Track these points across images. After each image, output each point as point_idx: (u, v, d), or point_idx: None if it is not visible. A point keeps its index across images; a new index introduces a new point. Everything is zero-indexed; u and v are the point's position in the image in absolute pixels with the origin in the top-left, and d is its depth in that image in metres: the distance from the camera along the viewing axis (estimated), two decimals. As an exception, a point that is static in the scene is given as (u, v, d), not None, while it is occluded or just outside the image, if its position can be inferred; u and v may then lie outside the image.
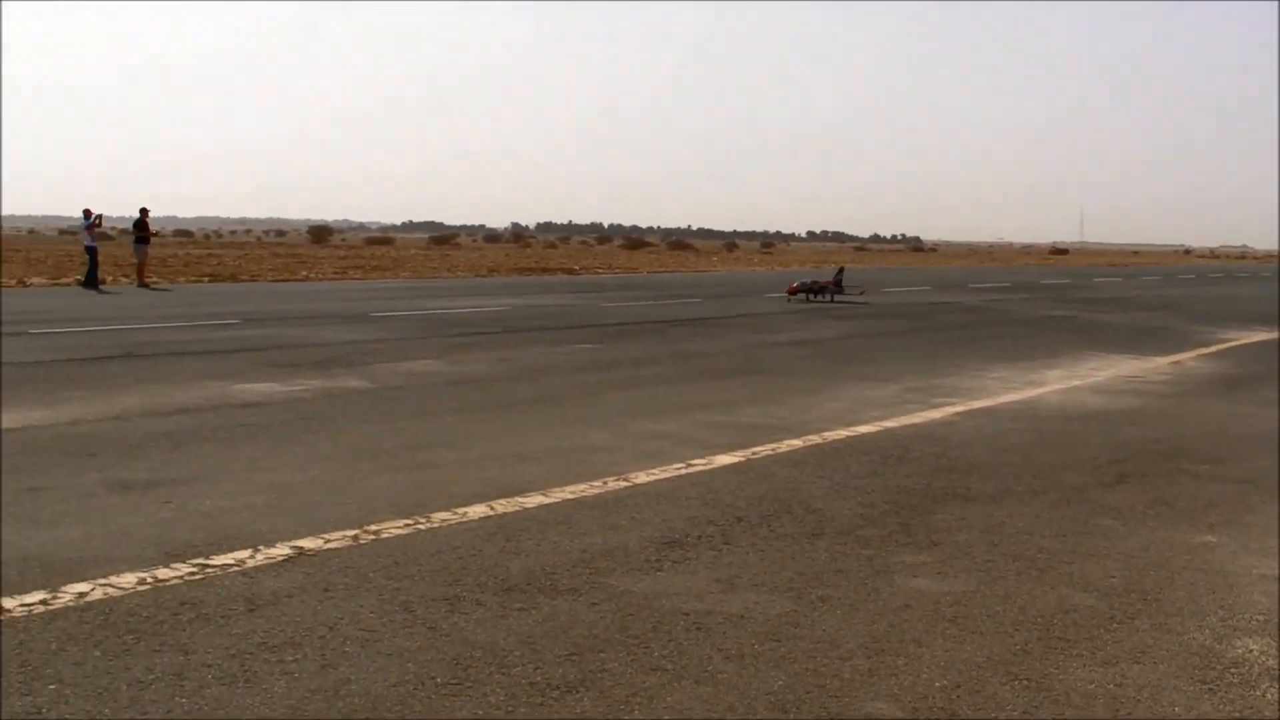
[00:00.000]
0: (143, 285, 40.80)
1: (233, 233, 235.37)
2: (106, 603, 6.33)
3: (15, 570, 6.86)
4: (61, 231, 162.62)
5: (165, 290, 38.92)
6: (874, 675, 5.61)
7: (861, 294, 38.93)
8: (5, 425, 11.54)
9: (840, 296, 37.71)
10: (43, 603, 6.30)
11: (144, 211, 42.70)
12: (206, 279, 47.27)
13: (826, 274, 43.55)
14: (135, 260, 43.12)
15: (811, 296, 37.67)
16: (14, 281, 42.21)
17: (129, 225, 51.64)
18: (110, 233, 50.52)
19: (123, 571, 6.85)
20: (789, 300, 37.05)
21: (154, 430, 11.49)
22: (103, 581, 6.67)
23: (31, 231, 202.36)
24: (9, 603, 6.28)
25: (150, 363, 17.23)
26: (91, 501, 8.56)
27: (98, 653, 5.58)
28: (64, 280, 42.41)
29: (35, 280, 43.33)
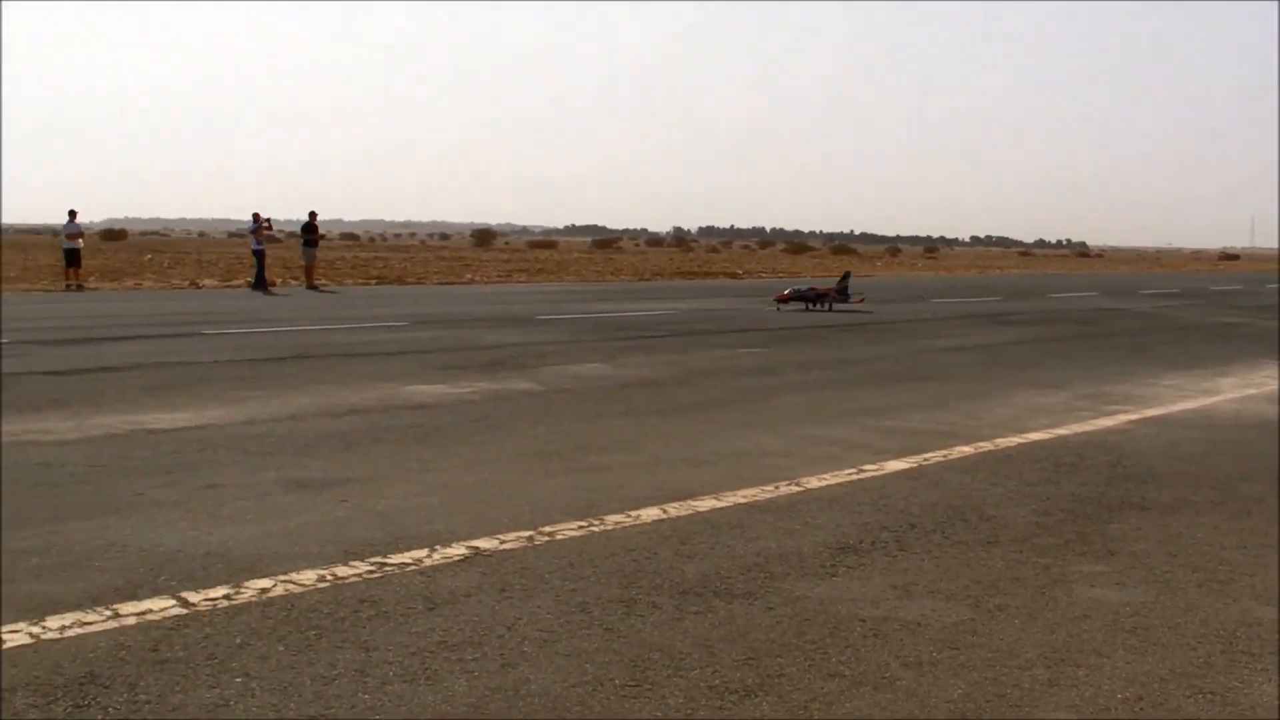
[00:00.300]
0: (311, 287, 41.47)
1: (397, 236, 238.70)
2: (288, 599, 6.42)
3: (199, 565, 6.98)
4: (230, 234, 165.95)
5: (333, 292, 39.52)
6: (1054, 686, 5.51)
7: (861, 301, 34.33)
8: (183, 423, 11.79)
9: (840, 306, 33.39)
10: (226, 598, 6.40)
11: (312, 215, 43.39)
12: (373, 281, 47.94)
13: (824, 282, 39.38)
14: (304, 263, 43.82)
15: (812, 305, 33.16)
16: (186, 283, 43.21)
17: (296, 228, 52.54)
18: (278, 236, 51.42)
19: (303, 568, 6.95)
20: (778, 310, 32.44)
21: (327, 430, 11.65)
22: (283, 578, 6.76)
23: (201, 234, 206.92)
24: (194, 596, 6.40)
25: (321, 363, 17.48)
26: (269, 499, 8.69)
27: (281, 647, 5.66)
28: (235, 283, 43.26)
29: (207, 282, 44.32)
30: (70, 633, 5.81)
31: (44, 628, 5.86)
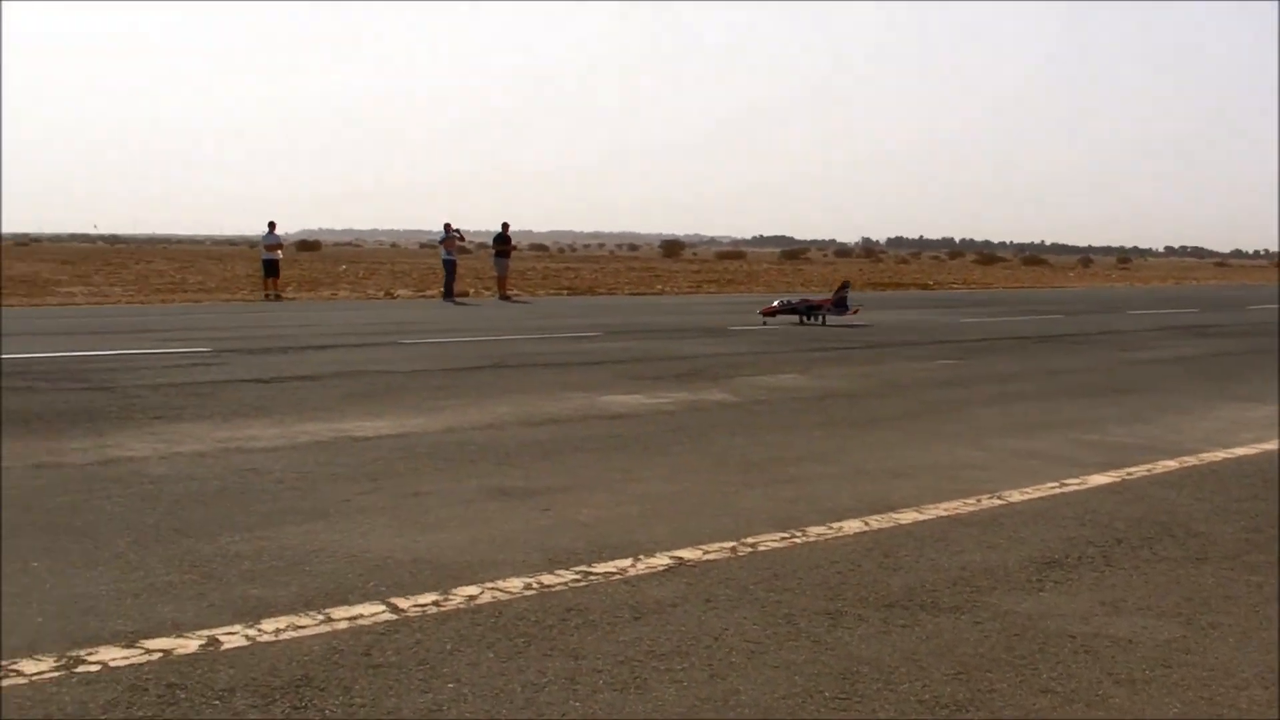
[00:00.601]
0: (504, 298, 41.89)
1: (586, 246, 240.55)
2: (495, 606, 6.46)
3: (407, 571, 7.08)
4: (421, 245, 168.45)
5: (525, 303, 39.89)
6: (1273, 706, 5.35)
7: (856, 312, 31.78)
8: (385, 431, 12.00)
9: (834, 319, 30.94)
10: (435, 604, 6.47)
11: (505, 226, 43.83)
12: (565, 292, 48.33)
13: (818, 295, 36.59)
14: (496, 274, 44.26)
15: (806, 319, 30.65)
16: (381, 294, 43.91)
17: (485, 239, 53.12)
18: (469, 247, 52.03)
19: (509, 576, 7.00)
20: (765, 323, 30.03)
21: (526, 439, 11.74)
22: (490, 585, 6.82)
23: (393, 245, 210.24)
24: (403, 602, 6.48)
25: (517, 373, 17.65)
26: (473, 507, 8.78)
27: (491, 654, 5.70)
28: (428, 293, 43.86)
29: (402, 292, 45.01)
30: (285, 636, 5.91)
31: (259, 630, 5.98)
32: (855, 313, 31.69)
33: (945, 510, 9.01)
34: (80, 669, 5.43)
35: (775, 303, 32.06)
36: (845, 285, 33.60)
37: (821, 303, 31.67)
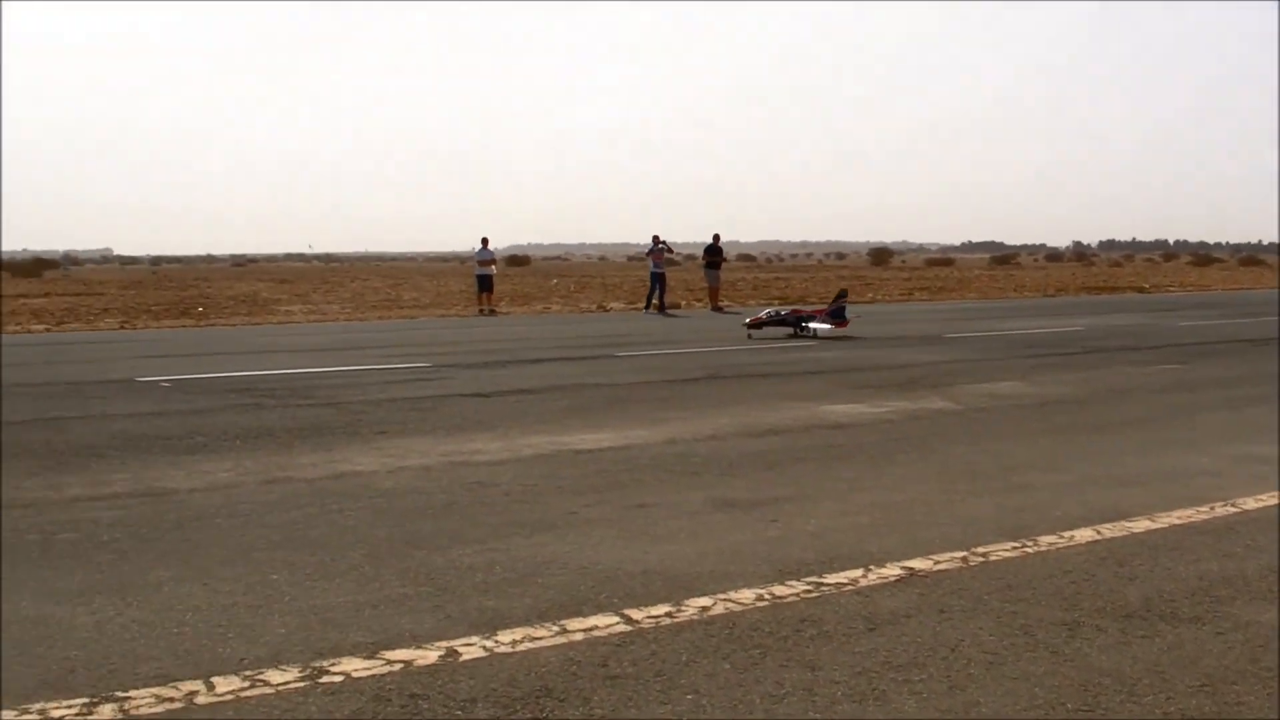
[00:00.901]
0: (716, 309, 41.94)
1: (793, 256, 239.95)
2: (728, 617, 6.44)
3: (638, 583, 7.09)
4: (630, 258, 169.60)
5: (737, 313, 39.84)
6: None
7: (845, 325, 28.99)
8: (607, 444, 12.09)
9: (824, 330, 28.15)
10: (668, 615, 6.47)
11: (715, 237, 43.88)
12: (776, 302, 48.16)
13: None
14: (707, 285, 44.30)
15: (799, 330, 28.16)
16: (594, 307, 44.24)
17: (689, 251, 53.19)
18: (677, 259, 52.12)
19: (740, 587, 6.98)
20: (750, 336, 27.89)
21: (748, 450, 11.72)
22: (722, 596, 6.80)
23: (602, 259, 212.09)
24: (636, 613, 6.49)
25: (734, 384, 17.66)
26: (699, 519, 8.78)
27: (727, 665, 5.68)
28: (639, 305, 44.06)
29: (614, 305, 45.31)
30: (521, 647, 5.96)
31: (496, 641, 6.03)
32: (844, 325, 29.03)
33: (1178, 518, 8.79)
34: (324, 679, 5.53)
35: (765, 313, 30.08)
36: (842, 294, 31.50)
37: (815, 313, 29.49)
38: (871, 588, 6.99)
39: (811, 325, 28.23)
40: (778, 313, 29.77)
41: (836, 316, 29.02)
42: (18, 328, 36.08)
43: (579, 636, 6.11)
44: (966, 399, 15.76)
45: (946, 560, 7.56)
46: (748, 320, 29.37)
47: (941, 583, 7.10)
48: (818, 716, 5.09)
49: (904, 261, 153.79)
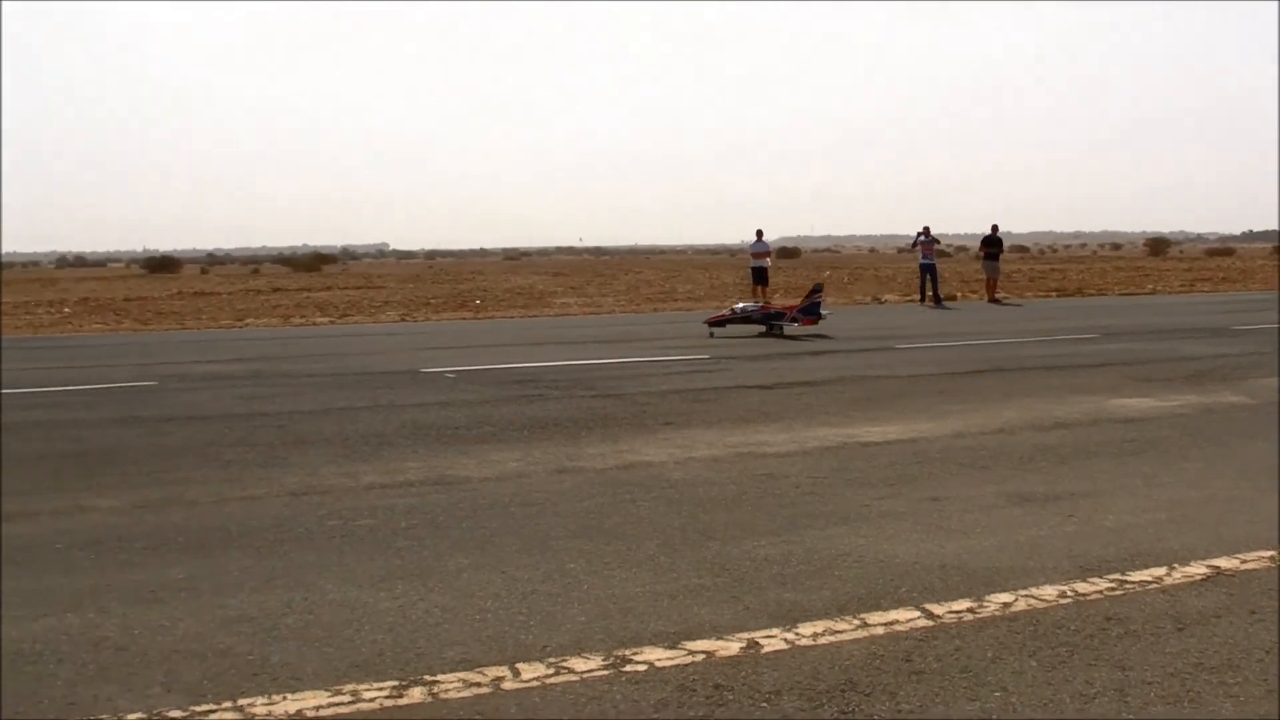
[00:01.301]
0: (993, 301, 41.29)
1: (1067, 247, 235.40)
2: (1031, 614, 6.35)
3: (936, 577, 7.03)
4: (899, 250, 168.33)
5: (1015, 306, 39.24)
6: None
7: (814, 322, 27.45)
8: (894, 436, 12.00)
9: (790, 328, 27.04)
10: (969, 610, 6.40)
11: (994, 228, 43.17)
12: (1053, 293, 47.37)
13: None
14: (985, 276, 43.62)
15: (771, 328, 26.89)
16: (868, 299, 43.97)
17: (964, 243, 52.35)
18: (947, 250, 51.22)
19: (1041, 583, 6.87)
20: (711, 335, 26.57)
21: (1038, 444, 11.52)
22: (1024, 592, 6.71)
23: (872, 250, 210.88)
24: (937, 608, 6.43)
25: (1017, 376, 17.37)
26: (994, 513, 8.67)
27: (1033, 663, 5.59)
28: (912, 298, 43.65)
29: (889, 297, 44.98)
30: (823, 640, 5.96)
31: (797, 634, 6.04)
32: (813, 323, 27.49)
33: None
34: (627, 668, 5.60)
35: (728, 310, 29.03)
36: (817, 289, 29.20)
37: (786, 309, 28.07)
38: (1177, 586, 6.82)
39: (782, 322, 27.09)
40: (744, 308, 28.46)
41: (809, 313, 27.66)
42: (302, 320, 37.30)
43: (880, 630, 6.08)
44: (1262, 393, 15.19)
45: (1254, 560, 7.33)
46: (708, 319, 28.41)
47: (1250, 582, 6.89)
48: (1131, 718, 4.97)
49: (1182, 251, 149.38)
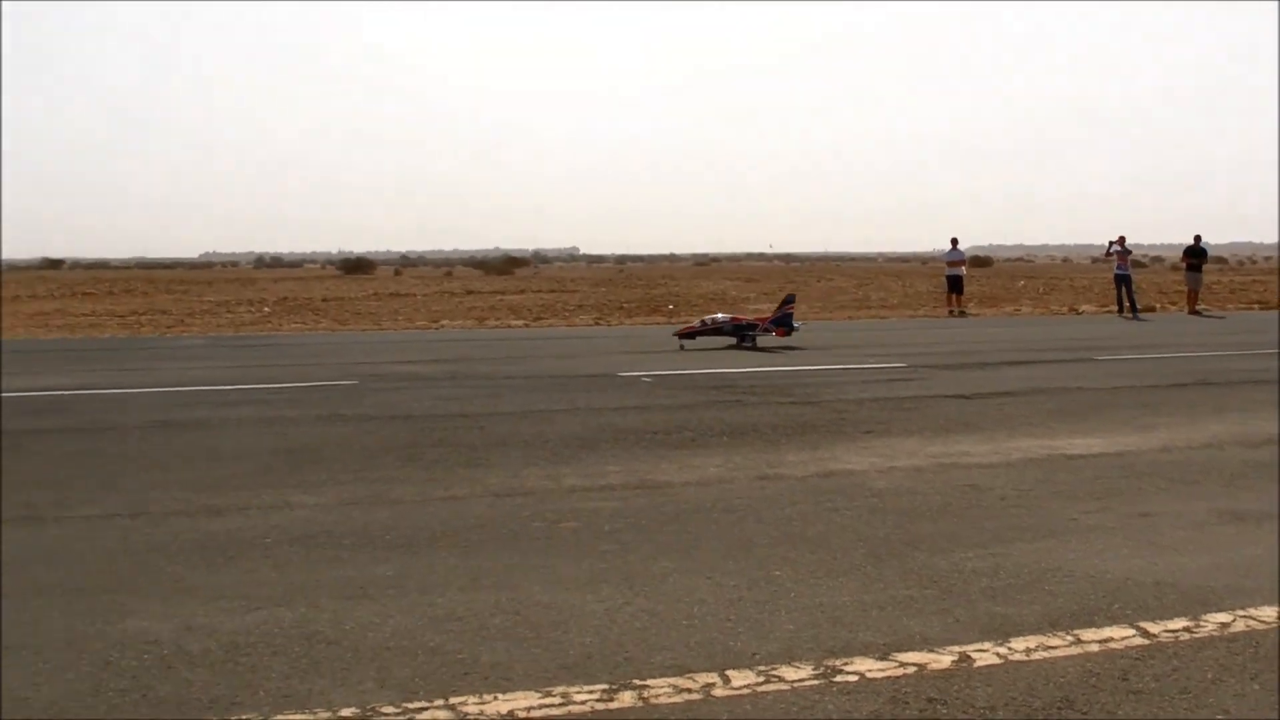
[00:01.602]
0: (1193, 312, 40.43)
1: (1267, 259, 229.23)
2: (1251, 635, 6.21)
3: (1150, 594, 6.91)
4: (1094, 260, 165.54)
5: (1216, 318, 38.37)
6: None
7: (783, 334, 26.74)
8: (1099, 449, 11.78)
9: (764, 339, 26.47)
10: (1186, 630, 6.29)
11: (1197, 238, 42.32)
12: (1255, 306, 46.29)
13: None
14: (1187, 286, 42.72)
15: (743, 341, 26.15)
16: (1065, 309, 43.34)
17: (1161, 252, 51.33)
18: (1143, 260, 50.16)
19: (1260, 604, 6.71)
20: (682, 347, 25.45)
21: (1247, 460, 11.25)
22: (1241, 613, 6.56)
23: (1065, 260, 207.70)
24: (1152, 626, 6.32)
25: (1224, 390, 16.98)
26: (1207, 530, 8.50)
27: (1256, 686, 5.49)
28: (1110, 308, 42.93)
29: (1085, 308, 44.30)
30: (1036, 655, 5.89)
31: (1009, 649, 5.98)
32: (782, 334, 26.74)
33: None
34: (838, 678, 5.58)
35: (699, 321, 27.94)
36: (789, 300, 28.05)
37: (758, 320, 27.43)
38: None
39: (753, 334, 26.44)
40: (714, 320, 27.60)
41: (781, 324, 26.92)
42: (496, 323, 37.73)
43: (1094, 648, 6.00)
44: None
45: None
46: (677, 330, 27.63)
47: None
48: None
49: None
